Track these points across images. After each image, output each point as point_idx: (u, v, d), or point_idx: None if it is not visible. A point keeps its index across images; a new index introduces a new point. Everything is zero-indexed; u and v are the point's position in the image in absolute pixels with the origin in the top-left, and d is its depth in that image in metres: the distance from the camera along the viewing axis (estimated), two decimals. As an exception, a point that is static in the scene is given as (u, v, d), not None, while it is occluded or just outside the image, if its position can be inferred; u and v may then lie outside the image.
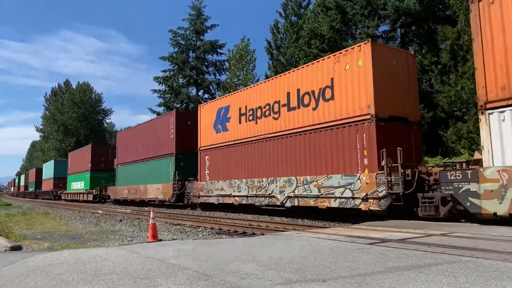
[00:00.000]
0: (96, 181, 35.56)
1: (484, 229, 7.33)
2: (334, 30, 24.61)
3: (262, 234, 9.40)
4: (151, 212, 8.89)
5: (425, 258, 4.55)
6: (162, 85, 42.13)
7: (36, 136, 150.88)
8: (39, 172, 61.13)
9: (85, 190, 36.31)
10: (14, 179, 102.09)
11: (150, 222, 8.61)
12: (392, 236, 6.54)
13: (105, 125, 75.28)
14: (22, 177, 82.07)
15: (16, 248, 7.33)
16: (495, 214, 8.12)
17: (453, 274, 3.71)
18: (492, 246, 5.32)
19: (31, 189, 64.98)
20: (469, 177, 8.62)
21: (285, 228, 10.65)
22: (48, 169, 53.18)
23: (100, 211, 21.53)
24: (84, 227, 13.37)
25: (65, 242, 9.45)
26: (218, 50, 42.73)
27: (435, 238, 6.27)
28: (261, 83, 16.12)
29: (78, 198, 38.46)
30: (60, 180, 48.33)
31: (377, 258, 4.64)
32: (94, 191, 34.54)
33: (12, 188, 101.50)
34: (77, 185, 40.00)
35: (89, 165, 36.67)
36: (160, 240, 8.53)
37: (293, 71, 14.39)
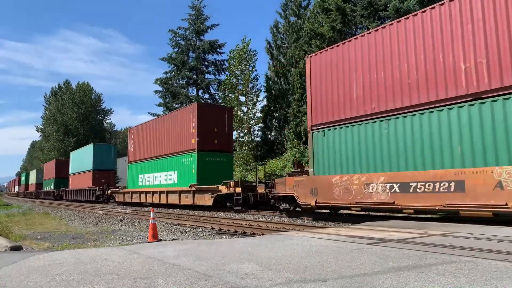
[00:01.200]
0: (207, 169, 20.20)
1: (484, 229, 7.33)
2: (335, 30, 24.63)
3: (262, 234, 9.40)
4: (151, 212, 8.90)
5: (425, 258, 4.55)
6: (161, 87, 42.33)
7: (36, 136, 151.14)
8: (61, 165, 45.59)
9: (190, 187, 20.07)
10: (19, 177, 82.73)
11: (150, 222, 8.62)
12: (392, 236, 6.55)
13: (105, 125, 75.54)
14: (32, 172, 66.04)
15: (16, 248, 7.33)
16: None
17: (453, 274, 3.72)
18: (492, 246, 5.32)
19: (47, 187, 49.16)
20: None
21: (285, 228, 10.65)
22: (82, 158, 36.59)
23: (100, 211, 21.53)
24: (84, 227, 13.38)
25: (65, 242, 9.46)
26: (217, 50, 42.81)
27: (435, 238, 6.28)
28: None
29: (163, 201, 22.42)
30: (103, 174, 32.97)
31: (377, 258, 4.64)
32: (221, 187, 17.95)
33: (16, 187, 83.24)
34: (157, 179, 23.90)
35: (195, 140, 20.20)
36: (160, 240, 8.54)
37: None
